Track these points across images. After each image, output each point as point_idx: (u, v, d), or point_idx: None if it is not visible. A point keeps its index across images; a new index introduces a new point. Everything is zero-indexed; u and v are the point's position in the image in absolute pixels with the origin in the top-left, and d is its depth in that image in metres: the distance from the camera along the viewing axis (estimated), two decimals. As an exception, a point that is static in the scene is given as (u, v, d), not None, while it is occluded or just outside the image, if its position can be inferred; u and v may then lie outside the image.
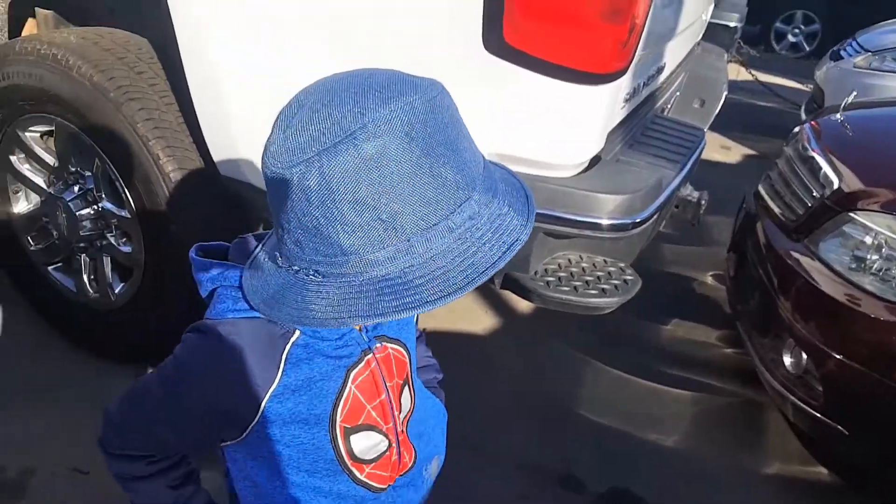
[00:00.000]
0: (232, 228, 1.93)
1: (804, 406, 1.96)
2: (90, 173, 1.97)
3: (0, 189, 2.16)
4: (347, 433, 0.85)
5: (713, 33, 3.08)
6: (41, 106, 1.93)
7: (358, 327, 0.83)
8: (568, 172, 1.63)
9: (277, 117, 0.70)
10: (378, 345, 0.86)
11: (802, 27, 8.16)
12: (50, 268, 2.19)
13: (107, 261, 2.06)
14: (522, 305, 2.69)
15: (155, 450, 0.91)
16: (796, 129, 2.54)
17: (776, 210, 2.27)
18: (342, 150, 0.63)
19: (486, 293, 2.69)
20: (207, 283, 0.83)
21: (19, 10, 2.29)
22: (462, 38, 1.46)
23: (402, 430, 0.92)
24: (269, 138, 0.69)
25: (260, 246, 0.81)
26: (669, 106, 2.43)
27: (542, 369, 2.46)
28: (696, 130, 2.14)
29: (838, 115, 2.45)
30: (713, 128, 2.76)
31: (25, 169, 2.10)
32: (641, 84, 1.90)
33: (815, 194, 2.13)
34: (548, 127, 1.55)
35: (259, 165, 1.90)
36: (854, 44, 4.74)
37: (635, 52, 1.58)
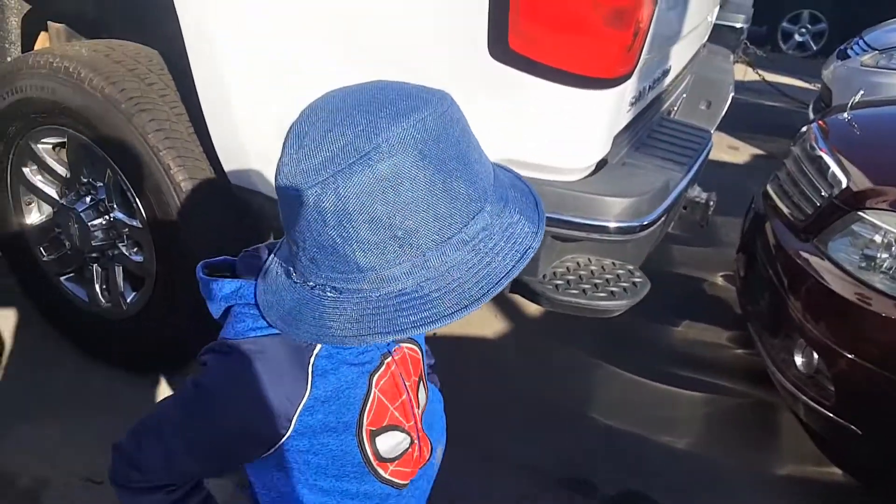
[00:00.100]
0: (243, 238, 1.96)
1: (816, 406, 1.95)
2: (102, 184, 1.99)
3: (13, 200, 2.18)
4: (373, 435, 0.86)
5: (719, 35, 3.08)
6: (53, 118, 1.96)
7: None
8: (575, 176, 1.64)
9: (288, 135, 0.70)
10: (396, 346, 0.88)
11: (809, 26, 8.13)
12: (62, 278, 2.20)
13: (118, 270, 2.08)
14: (532, 309, 2.69)
15: (176, 479, 0.89)
16: (804, 129, 2.54)
17: (785, 210, 2.27)
18: (357, 171, 0.64)
19: (496, 297, 2.68)
20: (221, 301, 0.82)
21: (32, 25, 2.32)
22: (467, 46, 1.47)
23: (420, 426, 0.93)
24: (281, 158, 0.69)
25: (270, 259, 0.81)
26: (676, 108, 2.43)
27: (553, 372, 2.46)
28: (703, 132, 2.14)
29: (845, 114, 2.45)
30: (721, 128, 2.76)
31: (38, 180, 2.13)
32: (647, 87, 1.91)
33: (823, 194, 2.12)
34: (554, 132, 1.56)
35: (269, 174, 1.91)
36: (861, 42, 4.72)
37: (640, 56, 1.58)
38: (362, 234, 0.65)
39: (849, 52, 4.71)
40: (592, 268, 1.82)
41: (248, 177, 1.80)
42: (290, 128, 0.70)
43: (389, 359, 0.87)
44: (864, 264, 1.90)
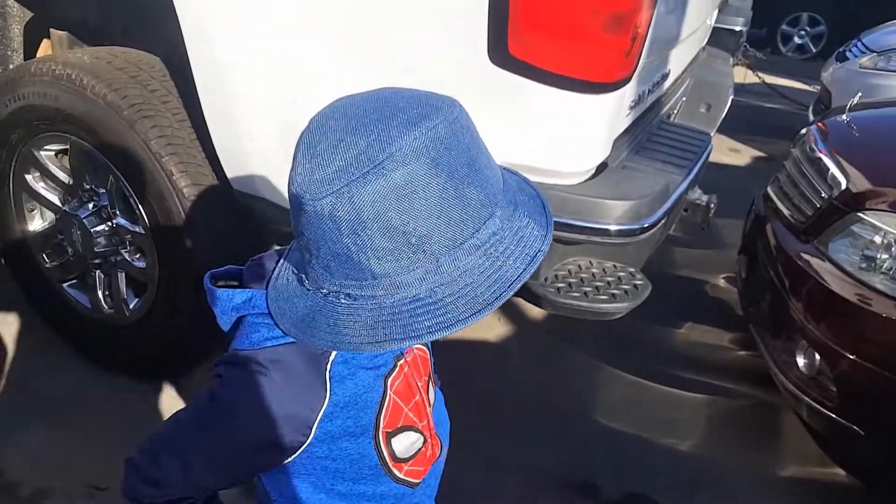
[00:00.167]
0: (245, 243, 1.97)
1: (818, 407, 1.96)
2: (104, 190, 2.00)
3: (16, 207, 2.19)
4: (389, 437, 0.87)
5: (719, 38, 3.10)
6: (56, 125, 1.97)
7: None
8: (575, 180, 1.65)
9: (299, 144, 0.70)
10: (407, 348, 0.88)
11: (808, 29, 8.16)
12: (65, 285, 2.21)
13: (121, 276, 2.08)
14: (534, 312, 2.70)
15: (193, 493, 0.88)
16: (803, 131, 2.55)
17: (785, 211, 2.28)
18: (371, 180, 0.64)
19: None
20: (232, 312, 0.82)
21: (34, 32, 2.33)
22: (468, 52, 1.48)
23: (432, 424, 0.94)
24: (293, 168, 0.69)
25: (280, 266, 0.81)
26: (676, 111, 2.44)
27: (555, 374, 2.47)
28: (702, 135, 2.15)
29: (844, 116, 2.46)
30: (722, 130, 2.77)
31: (41, 187, 2.14)
32: (646, 91, 1.92)
33: (823, 195, 2.13)
34: (554, 136, 1.57)
35: (271, 180, 1.92)
36: (859, 44, 4.74)
37: (639, 60, 1.60)
38: (377, 241, 0.66)
39: (847, 54, 4.73)
40: (594, 270, 1.83)
41: (250, 182, 1.81)
42: (300, 137, 0.70)
43: (402, 361, 0.88)
44: (864, 265, 1.91)
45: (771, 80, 5.51)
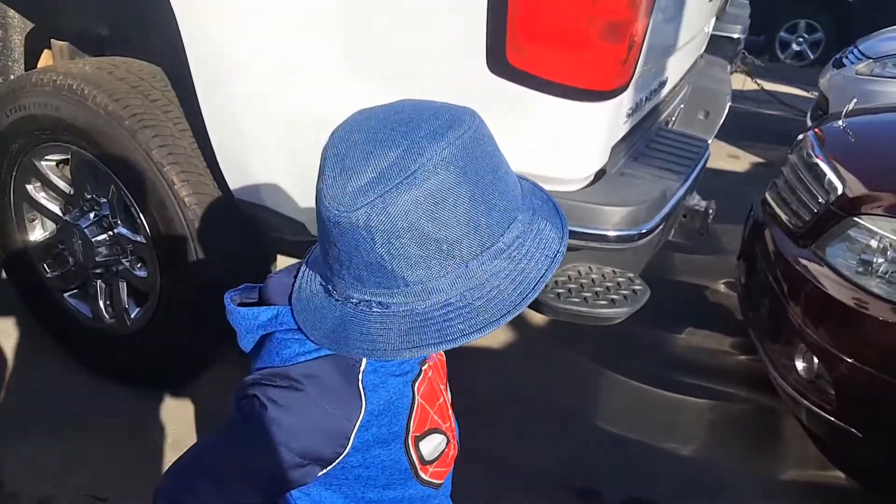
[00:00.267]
0: (247, 251, 1.99)
1: (818, 410, 1.97)
2: (105, 200, 2.00)
3: (16, 217, 2.18)
4: (417, 441, 0.88)
5: (717, 45, 3.12)
6: (57, 135, 1.96)
7: None
8: (574, 186, 1.67)
9: (325, 159, 0.71)
10: None
11: (806, 36, 8.19)
12: (66, 294, 2.20)
13: (122, 286, 2.08)
14: (534, 317, 2.72)
15: None
16: (800, 137, 2.57)
17: (783, 217, 2.30)
18: (405, 190, 0.66)
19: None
20: (258, 330, 0.82)
21: (35, 43, 2.33)
22: (467, 60, 1.51)
23: (453, 425, 0.96)
24: (322, 182, 0.70)
25: (301, 279, 0.81)
26: (674, 118, 2.46)
27: (556, 379, 2.48)
28: (700, 141, 2.17)
29: (840, 122, 2.48)
30: (721, 137, 2.79)
31: (41, 197, 2.13)
32: (644, 98, 1.94)
33: (820, 200, 2.15)
34: (553, 143, 1.59)
35: (272, 188, 1.92)
36: (855, 51, 4.78)
37: (636, 68, 1.62)
38: (410, 249, 0.68)
39: (844, 60, 4.77)
40: (593, 276, 1.84)
41: (252, 190, 1.82)
42: (325, 151, 0.72)
43: (426, 366, 0.90)
44: (861, 269, 1.92)
45: (770, 86, 5.53)
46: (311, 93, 1.64)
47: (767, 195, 2.49)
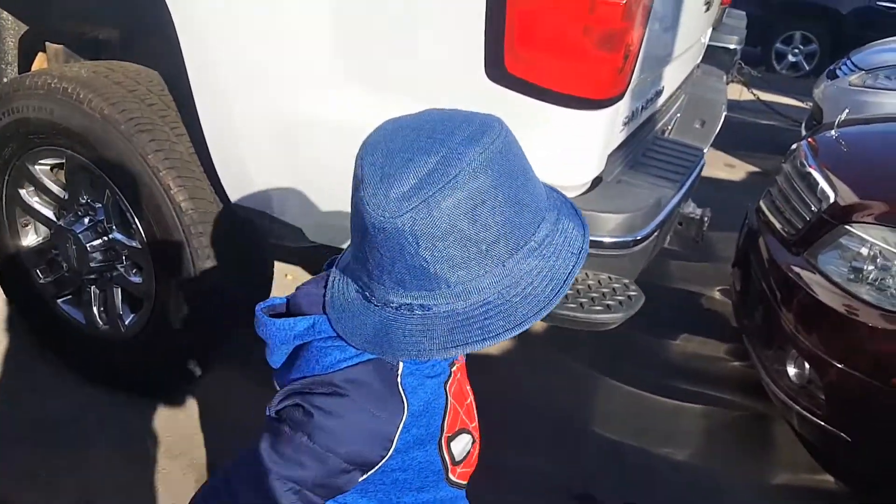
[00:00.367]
0: (244, 257, 1.99)
1: (809, 415, 2.00)
2: (100, 205, 1.97)
3: (9, 222, 2.15)
4: (449, 441, 0.91)
5: (713, 55, 3.16)
6: (51, 139, 1.93)
7: None
8: (570, 193, 1.69)
9: (362, 169, 0.72)
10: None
11: (801, 47, 8.28)
12: (59, 300, 2.17)
13: (117, 292, 2.05)
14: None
15: None
16: (794, 146, 2.60)
17: (777, 225, 2.33)
18: (448, 194, 0.69)
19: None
20: (295, 340, 0.82)
21: (30, 46, 2.31)
22: (465, 69, 1.53)
23: (477, 425, 0.99)
24: (363, 191, 0.72)
25: (329, 288, 0.82)
26: (671, 127, 2.49)
27: (552, 385, 2.48)
28: (695, 150, 2.20)
29: (833, 132, 2.52)
30: (718, 146, 2.81)
31: (35, 202, 2.10)
32: (640, 107, 1.97)
33: (812, 208, 2.18)
34: (550, 151, 1.60)
35: (270, 193, 1.92)
36: (848, 63, 4.86)
37: (632, 77, 1.64)
38: (453, 251, 0.71)
39: (837, 72, 4.84)
40: (589, 282, 1.86)
41: (249, 195, 1.82)
42: (359, 161, 0.73)
43: (455, 367, 0.93)
44: (852, 276, 1.95)
45: (766, 97, 5.58)
46: (309, 99, 1.66)
47: (762, 203, 2.52)
